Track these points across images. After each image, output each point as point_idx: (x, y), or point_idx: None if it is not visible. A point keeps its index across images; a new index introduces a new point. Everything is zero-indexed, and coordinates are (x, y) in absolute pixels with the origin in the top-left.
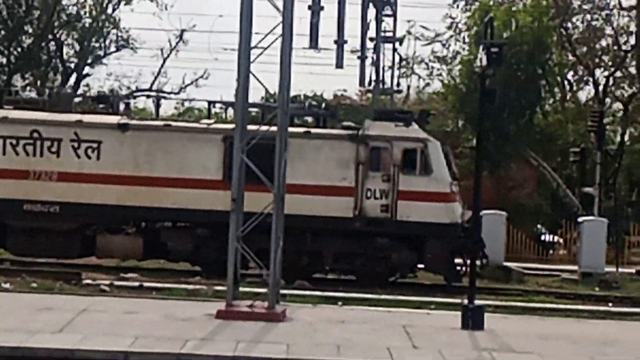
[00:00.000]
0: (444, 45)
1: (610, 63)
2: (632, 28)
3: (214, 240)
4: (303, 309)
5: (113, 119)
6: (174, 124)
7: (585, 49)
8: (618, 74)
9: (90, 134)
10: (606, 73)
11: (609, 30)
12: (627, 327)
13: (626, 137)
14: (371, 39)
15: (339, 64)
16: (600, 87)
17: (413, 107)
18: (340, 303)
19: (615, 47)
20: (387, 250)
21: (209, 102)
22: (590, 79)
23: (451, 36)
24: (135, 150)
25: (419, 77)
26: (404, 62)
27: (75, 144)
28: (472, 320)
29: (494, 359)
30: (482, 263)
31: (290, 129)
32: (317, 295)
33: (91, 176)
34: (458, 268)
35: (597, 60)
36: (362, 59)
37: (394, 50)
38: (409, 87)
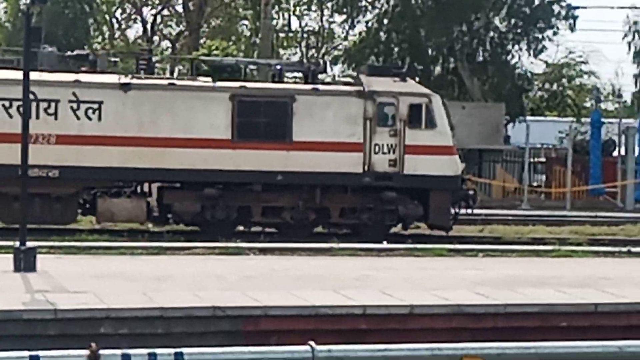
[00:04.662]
0: None
1: (157, 1)
2: None
3: (221, 200)
4: None
5: (114, 78)
6: (178, 82)
7: None
8: (165, 12)
9: (90, 94)
10: (154, 11)
11: None
12: (179, 261)
13: (175, 74)
14: None
15: None
16: (149, 26)
17: None
18: None
19: None
20: (394, 203)
21: None
22: (139, 17)
23: None
24: (138, 111)
25: None
26: None
27: (75, 105)
28: (24, 262)
29: (47, 300)
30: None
31: (299, 86)
32: None
33: (92, 138)
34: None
35: None
36: None
37: None
38: None
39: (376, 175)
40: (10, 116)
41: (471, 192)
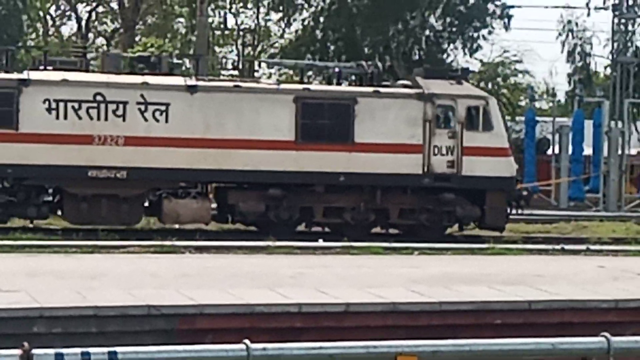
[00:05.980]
0: None
1: None
2: None
3: (285, 200)
4: None
5: (180, 80)
6: (243, 84)
7: None
8: (100, 8)
9: (157, 96)
10: (88, 8)
11: None
12: (113, 259)
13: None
14: None
15: None
16: (83, 22)
17: None
18: None
19: None
20: (452, 204)
21: None
22: (73, 14)
23: None
24: (204, 112)
25: None
26: None
27: (142, 107)
28: None
29: None
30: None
31: (360, 89)
32: None
33: (160, 140)
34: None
35: None
36: None
37: None
38: None
39: (435, 177)
40: (80, 118)
41: (525, 193)
